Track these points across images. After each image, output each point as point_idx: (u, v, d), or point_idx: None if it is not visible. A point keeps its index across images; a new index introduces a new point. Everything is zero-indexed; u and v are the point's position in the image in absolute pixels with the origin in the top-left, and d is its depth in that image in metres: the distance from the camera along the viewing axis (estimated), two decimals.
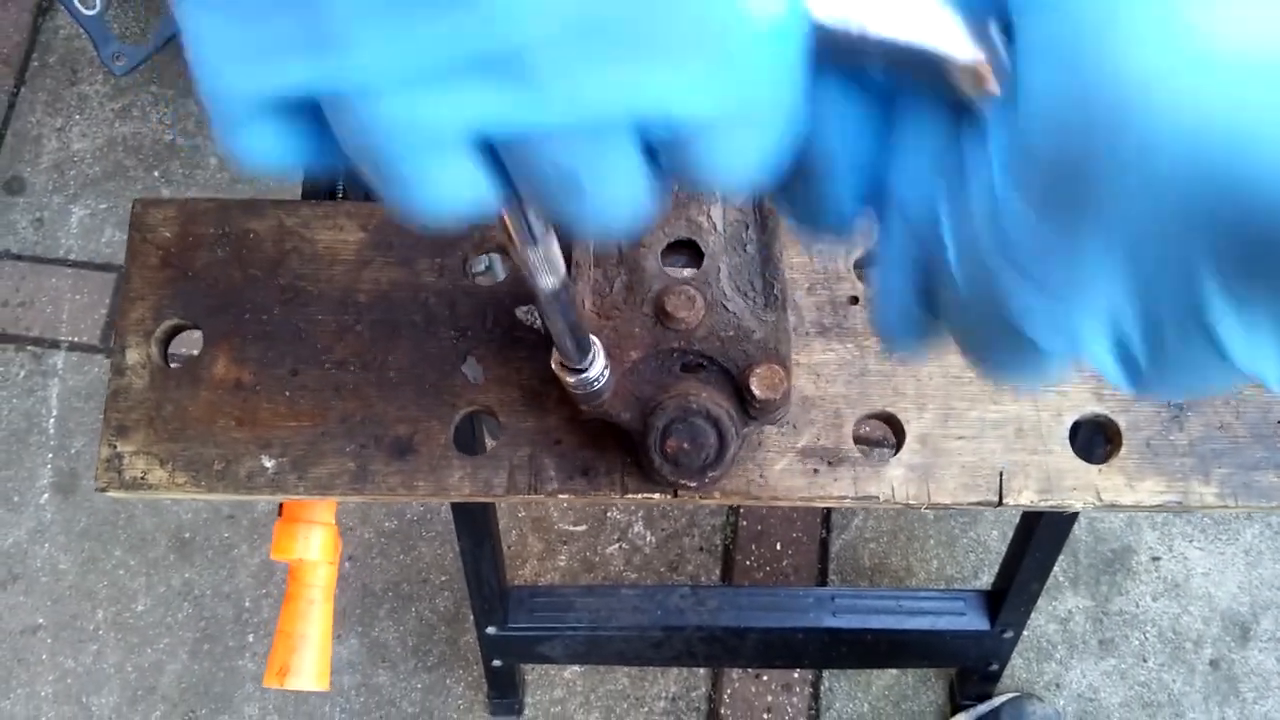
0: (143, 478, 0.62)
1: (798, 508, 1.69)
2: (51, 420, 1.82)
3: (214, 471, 0.62)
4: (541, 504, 1.73)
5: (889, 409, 0.65)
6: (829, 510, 1.71)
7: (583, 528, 1.72)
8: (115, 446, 0.63)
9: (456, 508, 1.29)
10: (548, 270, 0.44)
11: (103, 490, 0.62)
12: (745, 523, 1.71)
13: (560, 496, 0.63)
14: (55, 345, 1.86)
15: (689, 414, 0.59)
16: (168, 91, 1.97)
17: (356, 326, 0.65)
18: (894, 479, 0.63)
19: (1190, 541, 1.68)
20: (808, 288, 0.67)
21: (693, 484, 0.59)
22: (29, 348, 1.86)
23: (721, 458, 0.59)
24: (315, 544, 0.67)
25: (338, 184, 0.76)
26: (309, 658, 0.68)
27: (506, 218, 0.40)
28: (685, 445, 0.58)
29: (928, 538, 1.69)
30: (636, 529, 1.72)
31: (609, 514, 1.72)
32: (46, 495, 1.78)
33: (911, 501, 0.63)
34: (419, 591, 1.71)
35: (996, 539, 1.67)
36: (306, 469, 0.62)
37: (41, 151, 1.97)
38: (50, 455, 1.80)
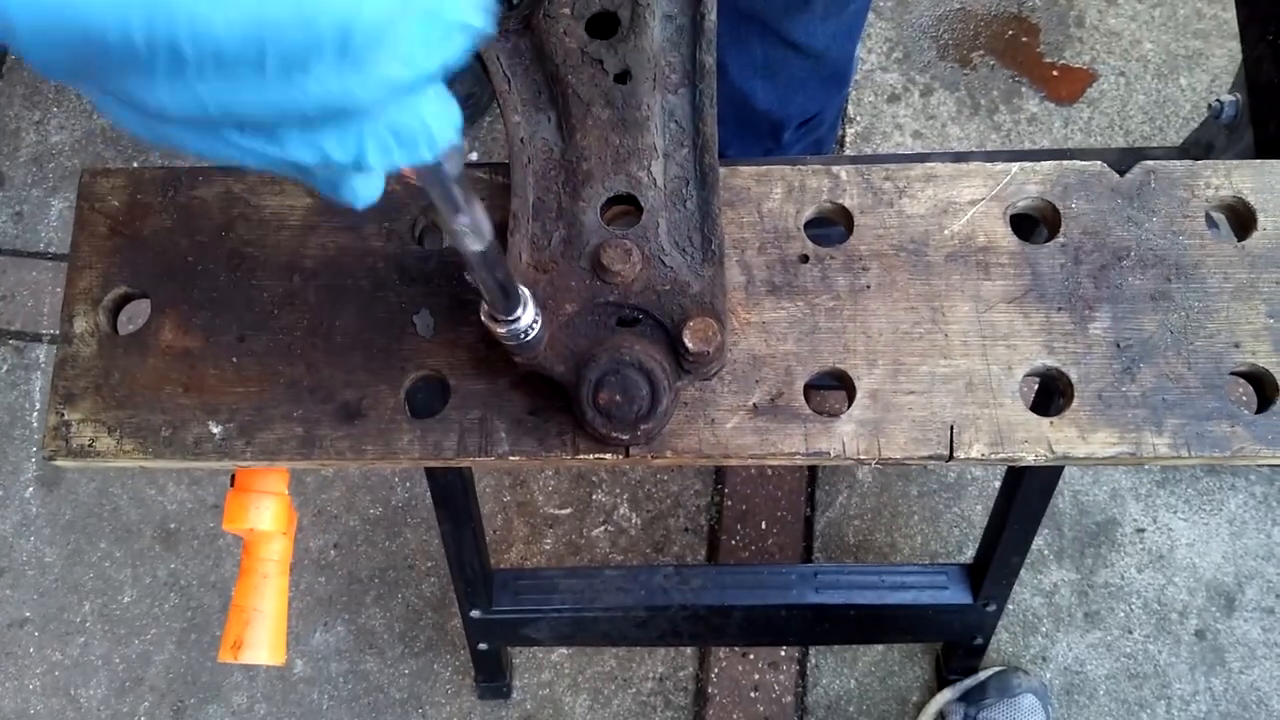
0: (90, 445, 0.62)
1: (782, 486, 1.69)
2: (35, 414, 1.82)
3: (161, 438, 0.62)
4: (524, 486, 1.72)
5: (839, 365, 0.64)
6: (813, 488, 1.71)
7: (568, 511, 1.72)
8: (63, 414, 0.63)
9: (435, 491, 1.28)
10: (475, 235, 0.45)
11: (50, 459, 0.62)
12: (730, 502, 1.71)
13: (511, 458, 0.63)
14: (37, 338, 1.86)
15: (621, 366, 0.58)
16: None
17: (304, 292, 0.65)
18: (845, 435, 0.63)
19: (1174, 513, 1.68)
20: (758, 246, 0.67)
21: (625, 437, 0.59)
22: (11, 341, 1.86)
23: (654, 410, 0.59)
24: (267, 514, 0.67)
25: None
26: (263, 631, 0.68)
27: (430, 191, 0.42)
28: (617, 397, 0.58)
29: (911, 514, 1.69)
30: (622, 511, 1.72)
31: (594, 496, 1.72)
32: (31, 489, 1.78)
33: (862, 457, 0.63)
34: (405, 578, 1.71)
35: (980, 514, 1.67)
36: (254, 434, 0.62)
37: (20, 145, 1.96)
38: (34, 449, 1.80)
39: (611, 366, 0.58)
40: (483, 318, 0.56)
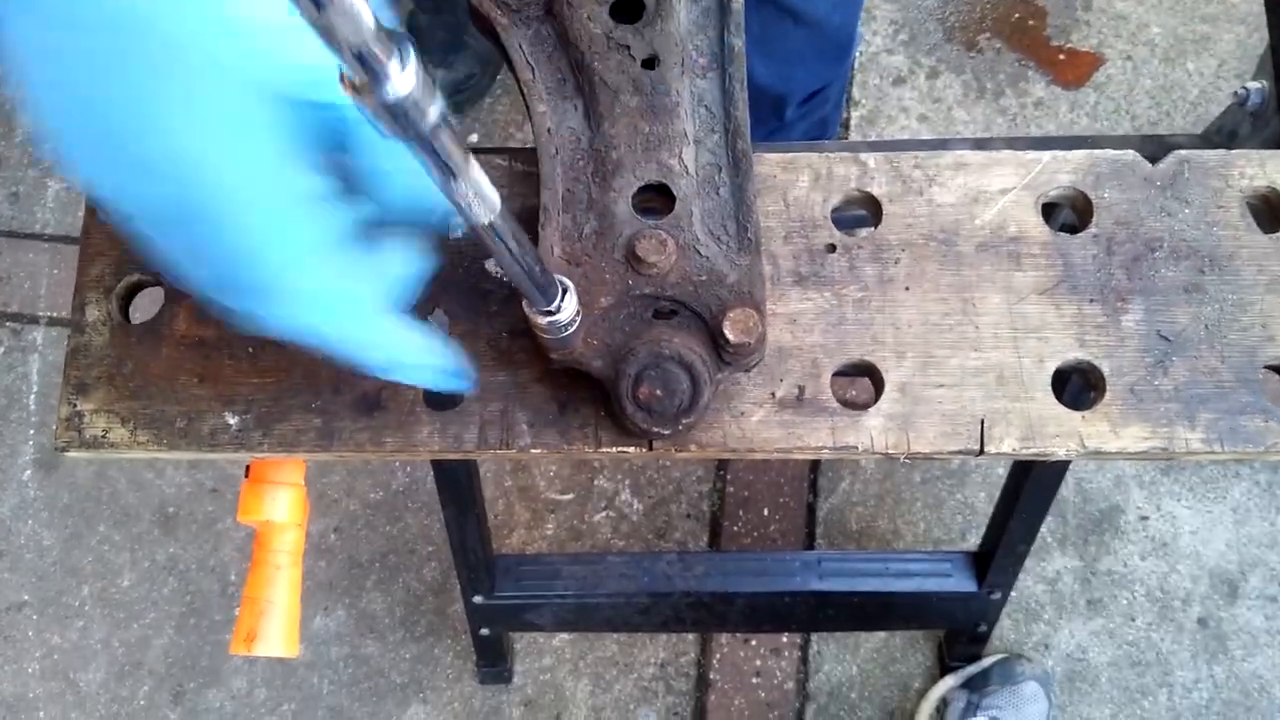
0: (104, 436, 0.61)
1: (785, 472, 1.68)
2: (32, 396, 1.81)
3: (176, 429, 0.61)
4: (526, 471, 1.71)
5: (867, 358, 0.63)
6: (816, 475, 1.70)
7: (570, 496, 1.71)
8: (75, 405, 0.61)
9: (439, 476, 1.27)
10: (479, 203, 0.43)
11: (63, 450, 0.61)
12: (732, 489, 1.70)
13: (533, 451, 0.62)
14: (34, 320, 1.84)
15: (661, 360, 0.57)
16: None
17: None
18: (873, 429, 0.62)
19: (1178, 500, 1.67)
20: (784, 236, 0.65)
21: (666, 431, 0.58)
22: (8, 323, 1.84)
23: (695, 404, 0.57)
24: (283, 505, 0.65)
25: None
26: (276, 623, 0.67)
27: (423, 157, 0.40)
28: (658, 392, 0.57)
29: (914, 500, 1.68)
30: (624, 496, 1.71)
31: (595, 482, 1.71)
32: (29, 471, 1.77)
33: (891, 451, 0.62)
34: (406, 562, 1.70)
35: (984, 500, 1.66)
36: (271, 426, 0.61)
37: (16, 126, 1.94)
38: (32, 432, 1.79)
39: (651, 360, 0.57)
40: (525, 309, 0.55)
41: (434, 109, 0.38)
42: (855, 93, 1.88)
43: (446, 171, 0.41)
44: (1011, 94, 1.87)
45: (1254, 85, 0.83)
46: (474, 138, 1.90)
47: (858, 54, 1.88)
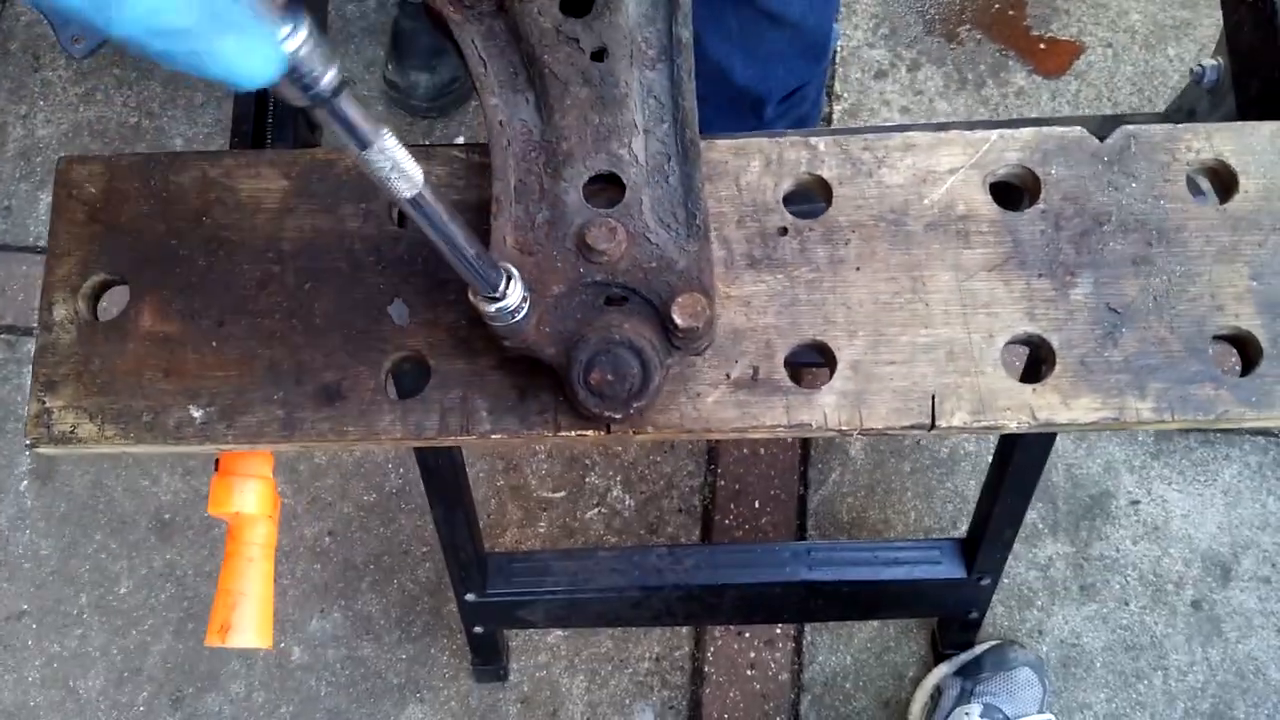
0: (72, 432, 0.62)
1: (775, 465, 1.69)
2: (27, 408, 1.82)
3: (142, 423, 0.62)
4: (517, 470, 1.72)
5: (820, 337, 0.64)
6: (806, 466, 1.71)
7: (561, 494, 1.72)
8: (44, 402, 0.63)
9: (426, 474, 1.28)
10: (398, 176, 0.44)
11: (33, 446, 0.62)
12: (723, 482, 1.71)
13: (493, 437, 0.63)
14: (28, 332, 1.85)
15: (612, 345, 0.58)
16: (130, 74, 1.95)
17: (282, 275, 0.65)
18: (826, 406, 0.63)
19: (1169, 484, 1.68)
20: (737, 220, 0.66)
21: (618, 415, 0.59)
22: (2, 336, 1.86)
23: (646, 387, 0.59)
24: (252, 497, 0.67)
25: (265, 132, 0.76)
26: (250, 614, 0.68)
27: (333, 124, 0.41)
28: (609, 376, 0.58)
29: (905, 490, 1.69)
30: (615, 493, 1.72)
31: (587, 479, 1.72)
32: (26, 482, 1.78)
33: (844, 427, 0.63)
34: (400, 563, 1.71)
35: (974, 488, 1.67)
36: (234, 418, 0.62)
37: (7, 139, 1.96)
38: (28, 443, 1.80)
39: (602, 346, 0.58)
40: (471, 298, 0.56)
41: (330, 73, 0.40)
42: (837, 87, 1.89)
43: (354, 139, 0.42)
44: (993, 84, 1.88)
45: (1210, 63, 0.84)
46: (460, 140, 1.92)
47: (838, 48, 1.90)
